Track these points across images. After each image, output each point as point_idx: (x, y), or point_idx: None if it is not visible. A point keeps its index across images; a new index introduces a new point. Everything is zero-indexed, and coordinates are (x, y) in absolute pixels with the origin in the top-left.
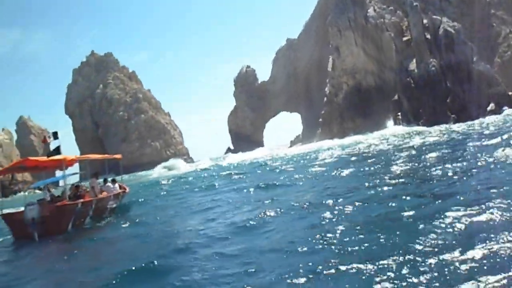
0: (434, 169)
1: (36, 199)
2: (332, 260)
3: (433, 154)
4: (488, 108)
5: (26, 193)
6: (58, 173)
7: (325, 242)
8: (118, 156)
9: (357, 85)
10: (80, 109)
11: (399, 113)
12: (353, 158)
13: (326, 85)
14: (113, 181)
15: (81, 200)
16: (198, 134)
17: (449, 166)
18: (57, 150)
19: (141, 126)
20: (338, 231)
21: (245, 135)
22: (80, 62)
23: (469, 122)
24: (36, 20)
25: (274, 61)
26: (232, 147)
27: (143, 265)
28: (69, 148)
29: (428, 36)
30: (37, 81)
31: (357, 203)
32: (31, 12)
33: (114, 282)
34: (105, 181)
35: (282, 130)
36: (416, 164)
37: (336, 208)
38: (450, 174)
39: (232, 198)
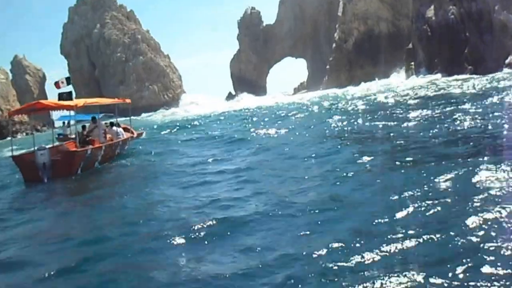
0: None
1: (57, 133)
2: None
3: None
4: (507, 61)
5: (24, 134)
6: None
7: None
8: (127, 100)
9: (369, 31)
10: (77, 49)
11: (412, 63)
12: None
13: (335, 31)
14: (112, 125)
15: (91, 146)
16: (197, 78)
17: None
18: (69, 95)
19: (139, 68)
20: None
21: (248, 80)
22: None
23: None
24: None
25: (280, 3)
26: (233, 92)
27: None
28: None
29: None
30: (30, 19)
31: None
32: None
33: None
34: (112, 124)
35: (286, 76)
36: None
37: None
38: None
39: None
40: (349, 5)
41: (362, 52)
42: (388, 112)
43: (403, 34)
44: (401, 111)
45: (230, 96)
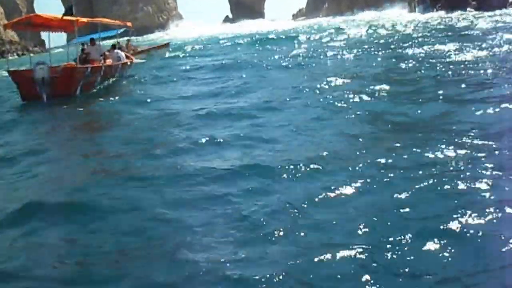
0: None
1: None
2: None
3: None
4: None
5: (15, 55)
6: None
7: None
8: (129, 23)
9: None
10: None
11: None
12: None
13: None
14: (113, 47)
15: (90, 65)
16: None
17: None
18: (70, 10)
19: None
20: None
21: (245, 4)
22: None
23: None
24: None
25: None
26: (230, 16)
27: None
28: (55, 5)
29: None
30: None
31: None
32: None
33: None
34: (113, 47)
35: (283, 2)
36: None
37: None
38: None
39: None
40: None
41: None
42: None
43: None
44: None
45: (227, 20)
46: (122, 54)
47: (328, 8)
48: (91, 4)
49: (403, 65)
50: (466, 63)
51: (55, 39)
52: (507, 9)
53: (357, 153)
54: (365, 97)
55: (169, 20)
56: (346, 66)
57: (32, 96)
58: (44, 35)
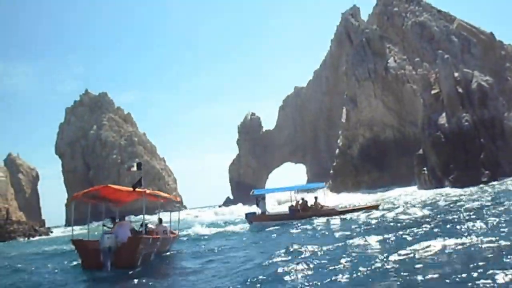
0: None
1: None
2: None
3: None
4: None
5: (24, 239)
6: None
7: None
8: (177, 198)
9: (375, 137)
10: (72, 150)
11: (425, 168)
12: None
13: (337, 137)
14: (160, 221)
15: (150, 236)
16: (193, 181)
17: None
18: (140, 182)
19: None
20: None
21: (247, 184)
22: (74, 101)
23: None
24: (18, 54)
25: (280, 109)
26: (231, 197)
27: None
28: (57, 189)
29: (460, 90)
30: (24, 118)
31: None
32: (12, 46)
33: None
34: (160, 221)
35: (285, 181)
36: None
37: None
38: None
39: None
40: (353, 112)
41: (368, 158)
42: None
43: (409, 140)
44: None
45: (228, 201)
46: (168, 228)
47: (332, 185)
48: (92, 185)
49: None
50: None
51: (51, 220)
52: None
53: None
54: None
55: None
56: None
57: (93, 265)
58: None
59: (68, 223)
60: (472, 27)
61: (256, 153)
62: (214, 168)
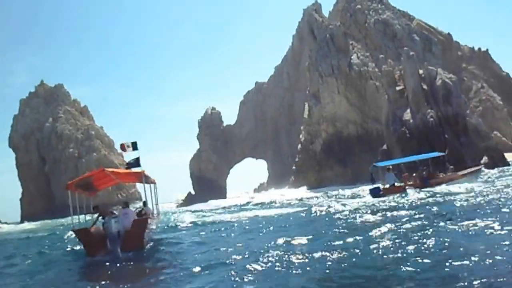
0: None
1: None
2: None
3: None
4: (482, 161)
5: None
6: None
7: None
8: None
9: (338, 133)
10: (26, 143)
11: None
12: None
13: (298, 132)
14: (145, 204)
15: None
16: (154, 176)
17: None
18: (137, 162)
19: (92, 165)
20: None
21: (208, 179)
22: (28, 92)
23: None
24: None
25: (241, 104)
26: (193, 192)
27: None
28: (11, 183)
29: (425, 87)
30: None
31: None
32: None
33: None
34: (145, 203)
35: (246, 176)
36: None
37: None
38: None
39: None
40: (316, 107)
41: (332, 153)
42: None
43: (372, 137)
44: None
45: (190, 196)
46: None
47: (295, 181)
48: (48, 180)
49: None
50: None
51: (6, 215)
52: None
53: None
54: None
55: (128, 198)
56: None
57: (99, 252)
58: None
59: (23, 220)
60: (430, 27)
61: (217, 148)
62: (175, 163)
